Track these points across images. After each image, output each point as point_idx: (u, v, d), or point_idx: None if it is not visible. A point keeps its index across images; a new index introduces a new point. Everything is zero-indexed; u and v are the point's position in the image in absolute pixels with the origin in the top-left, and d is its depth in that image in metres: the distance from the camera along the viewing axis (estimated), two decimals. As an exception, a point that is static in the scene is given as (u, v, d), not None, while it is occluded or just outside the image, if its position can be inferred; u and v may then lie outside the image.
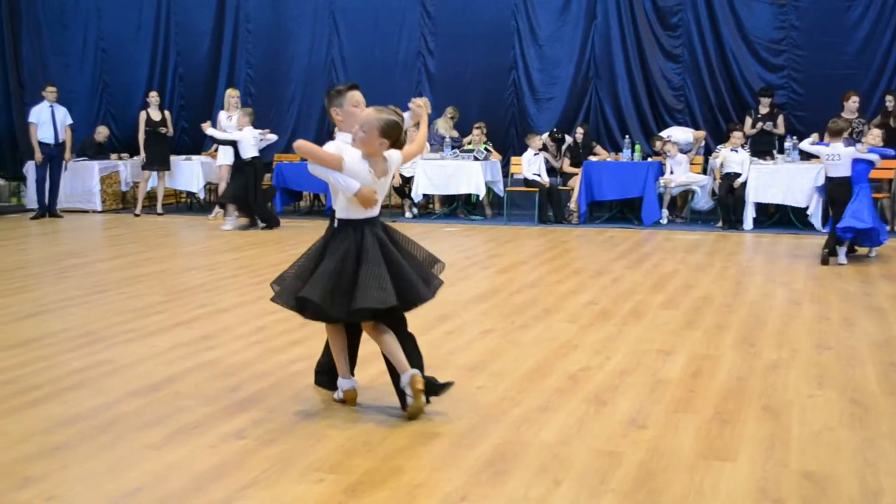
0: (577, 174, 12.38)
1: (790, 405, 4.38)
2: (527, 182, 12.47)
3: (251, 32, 15.07)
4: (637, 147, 12.46)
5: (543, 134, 12.96)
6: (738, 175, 11.53)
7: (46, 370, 5.07)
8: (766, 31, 12.66)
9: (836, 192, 8.70)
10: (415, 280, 4.16)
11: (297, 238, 10.81)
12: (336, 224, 4.21)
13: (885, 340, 5.68)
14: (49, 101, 13.22)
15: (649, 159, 12.42)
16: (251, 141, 11.71)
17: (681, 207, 12.55)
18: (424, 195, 12.95)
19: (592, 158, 12.57)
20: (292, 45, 14.85)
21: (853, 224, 8.39)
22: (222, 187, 12.96)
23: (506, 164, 13.29)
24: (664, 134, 12.50)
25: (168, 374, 4.98)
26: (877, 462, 3.66)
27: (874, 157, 8.67)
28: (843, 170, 8.61)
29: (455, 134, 13.55)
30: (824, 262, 8.54)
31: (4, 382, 4.83)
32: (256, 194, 11.88)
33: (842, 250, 8.61)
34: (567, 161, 12.87)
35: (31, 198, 13.99)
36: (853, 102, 11.35)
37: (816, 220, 10.95)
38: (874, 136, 8.81)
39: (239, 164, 11.77)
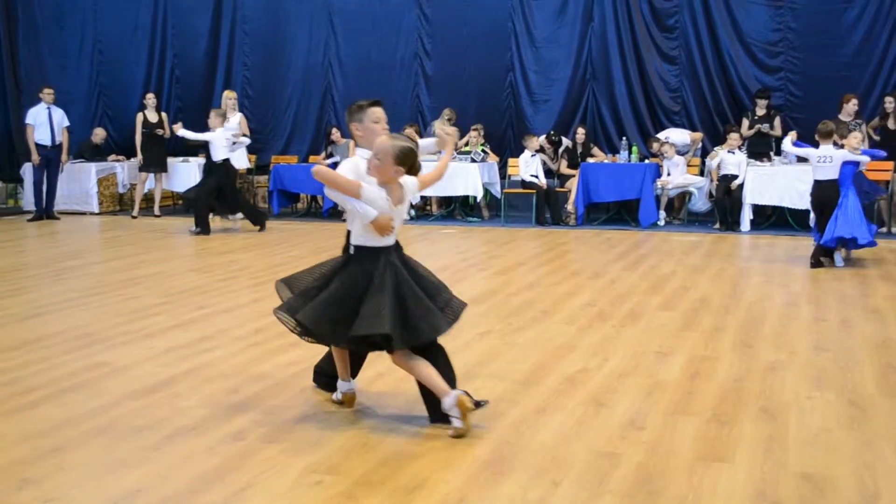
0: (574, 176, 12.40)
1: (788, 407, 4.39)
2: (524, 184, 12.49)
3: (248, 34, 15.08)
4: (634, 149, 12.48)
5: (540, 136, 12.98)
6: (735, 177, 11.55)
7: (44, 372, 5.07)
8: (763, 33, 12.68)
9: (823, 196, 8.52)
10: (432, 309, 4.04)
11: (295, 240, 10.82)
12: (352, 250, 4.13)
13: (882, 342, 5.69)
14: (46, 103, 13.23)
15: (646, 161, 12.44)
16: (223, 142, 11.43)
17: (678, 209, 12.56)
18: (422, 197, 12.95)
19: (590, 160, 12.59)
20: (289, 47, 14.86)
21: (842, 234, 8.31)
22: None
23: (503, 166, 13.31)
24: (662, 135, 12.51)
25: (166, 375, 4.98)
26: (874, 464, 3.66)
27: (865, 158, 8.66)
28: (832, 172, 8.49)
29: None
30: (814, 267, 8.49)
31: (2, 384, 4.83)
32: (231, 195, 11.61)
33: (837, 255, 8.59)
34: (564, 163, 12.89)
35: (28, 200, 14.00)
36: (853, 105, 11.35)
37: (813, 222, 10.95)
38: (856, 138, 8.73)
39: (210, 166, 11.53)
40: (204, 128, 11.79)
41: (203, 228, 11.44)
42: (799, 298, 7.15)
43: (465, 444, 3.88)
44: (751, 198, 11.38)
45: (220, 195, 11.52)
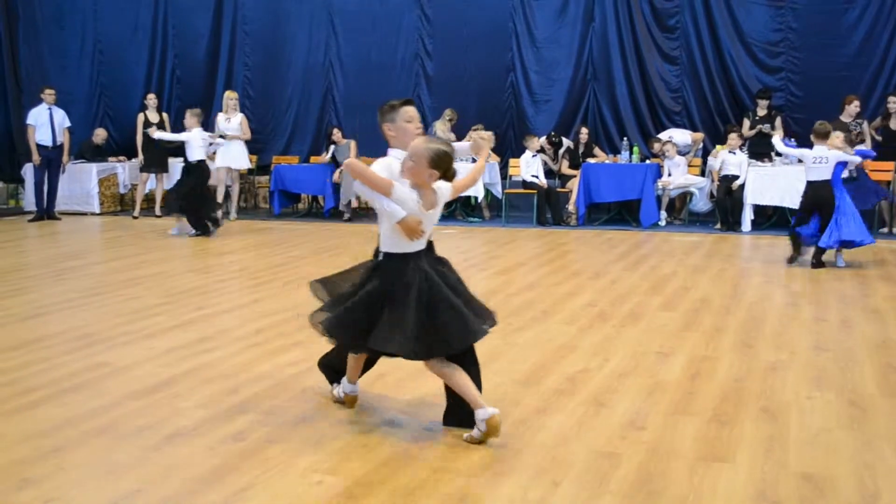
0: (575, 176, 12.40)
1: (788, 407, 4.39)
2: (525, 184, 12.49)
3: (249, 34, 15.08)
4: (635, 149, 12.48)
5: (541, 136, 12.98)
6: (736, 177, 11.55)
7: (45, 372, 5.07)
8: (764, 34, 12.67)
9: (817, 196, 8.49)
10: (466, 314, 3.91)
11: (295, 241, 10.81)
12: (381, 257, 4.00)
13: (882, 342, 5.69)
14: (47, 104, 13.23)
15: (647, 161, 12.44)
16: (199, 143, 11.28)
17: (679, 209, 12.57)
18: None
19: (591, 160, 12.59)
20: (290, 48, 14.86)
21: (846, 238, 8.30)
22: (221, 190, 12.96)
23: (504, 166, 13.31)
24: (665, 135, 12.51)
25: (166, 376, 4.98)
26: (875, 464, 3.66)
27: (857, 158, 8.69)
28: (826, 173, 8.47)
29: (452, 136, 13.55)
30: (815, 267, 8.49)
31: (3, 384, 4.83)
32: (200, 198, 11.37)
33: (839, 256, 8.59)
34: (566, 163, 12.89)
35: (29, 200, 14.00)
36: (854, 107, 11.35)
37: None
38: (839, 137, 8.69)
39: (187, 167, 11.39)
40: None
41: (201, 229, 11.39)
42: (799, 298, 7.15)
43: (465, 445, 3.88)
44: (752, 198, 11.38)
45: (189, 194, 11.25)
